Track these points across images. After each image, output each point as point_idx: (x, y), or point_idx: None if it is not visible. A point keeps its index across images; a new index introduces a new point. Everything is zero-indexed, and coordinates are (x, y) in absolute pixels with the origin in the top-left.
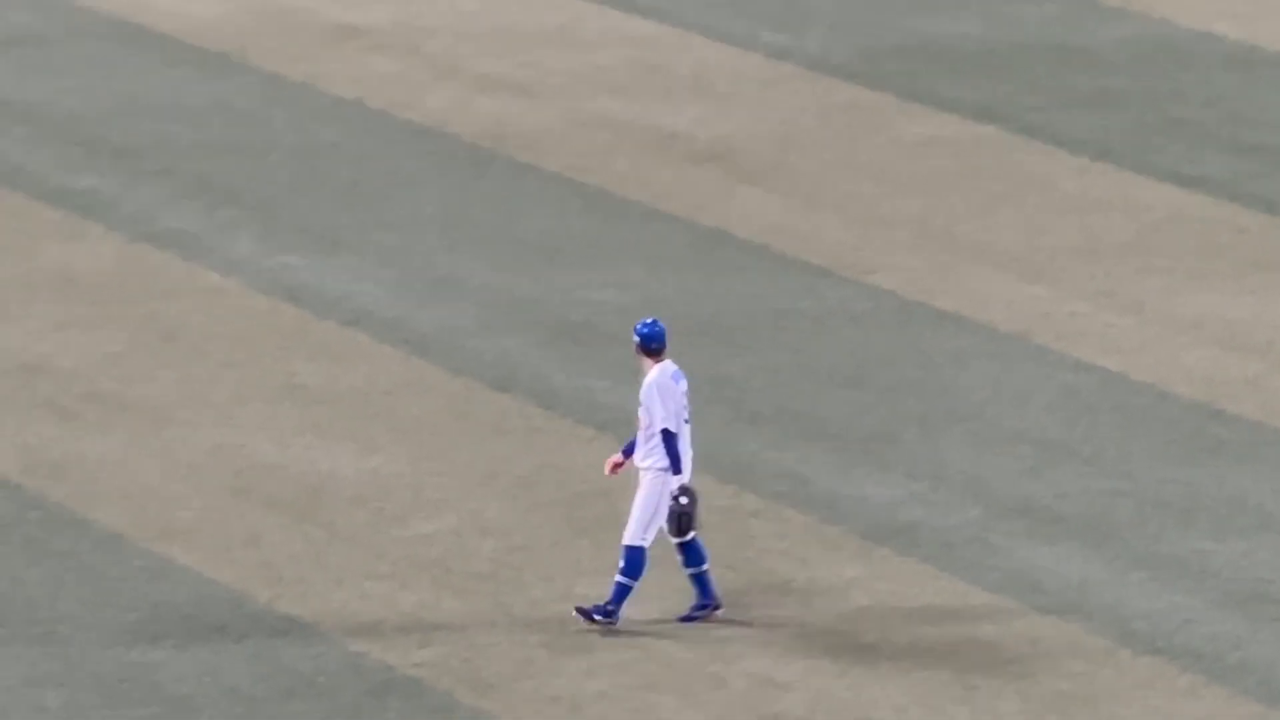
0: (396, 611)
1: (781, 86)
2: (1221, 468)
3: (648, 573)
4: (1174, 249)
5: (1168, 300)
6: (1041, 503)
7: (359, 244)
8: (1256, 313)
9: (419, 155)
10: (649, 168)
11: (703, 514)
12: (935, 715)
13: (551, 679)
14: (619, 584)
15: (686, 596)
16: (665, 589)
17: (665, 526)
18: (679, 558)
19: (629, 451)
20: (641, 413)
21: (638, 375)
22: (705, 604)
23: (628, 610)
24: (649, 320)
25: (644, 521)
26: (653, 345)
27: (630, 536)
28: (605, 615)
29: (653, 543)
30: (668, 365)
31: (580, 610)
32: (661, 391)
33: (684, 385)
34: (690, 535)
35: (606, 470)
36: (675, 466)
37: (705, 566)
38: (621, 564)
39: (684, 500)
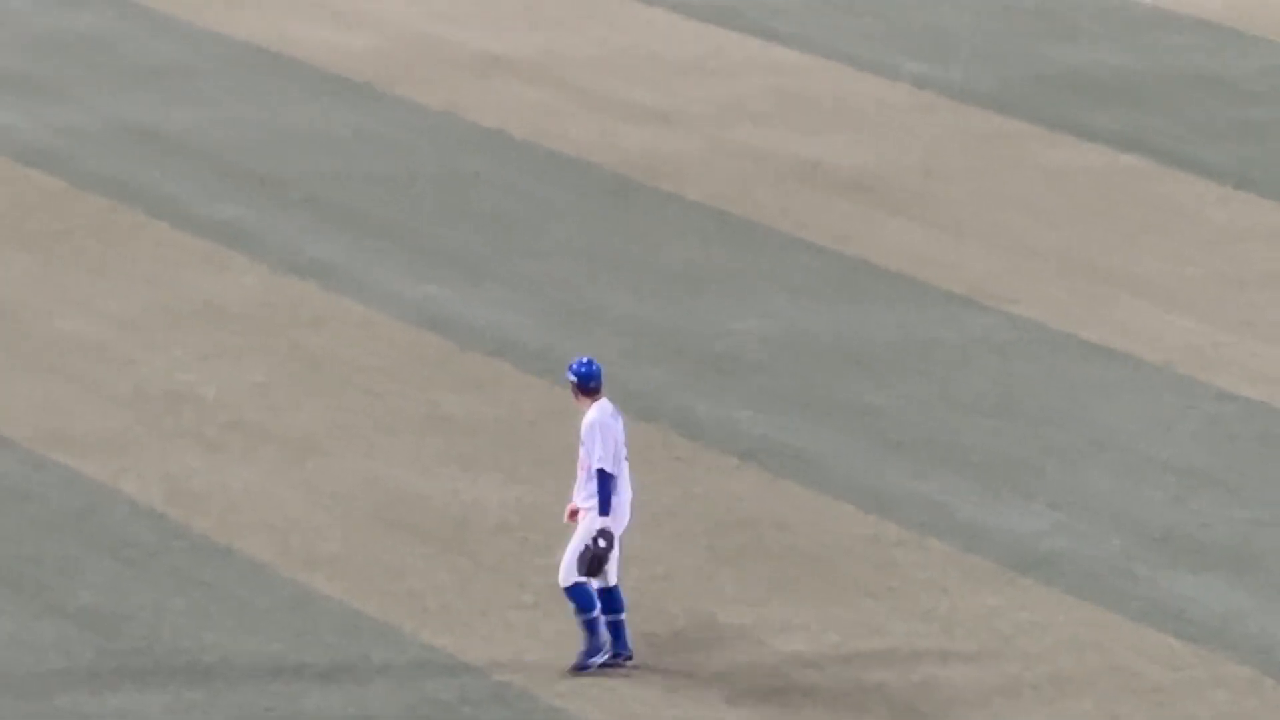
0: (540, 641)
1: (924, 116)
2: None
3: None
4: None
5: None
6: (1185, 532)
7: (503, 274)
8: None
9: (563, 185)
10: (792, 197)
11: (619, 561)
12: None
13: (695, 708)
14: (583, 623)
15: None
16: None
17: (576, 565)
18: (591, 608)
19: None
20: (582, 452)
21: (589, 413)
22: (619, 653)
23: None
24: (584, 360)
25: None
26: (590, 384)
27: (564, 578)
28: (592, 655)
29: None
30: (605, 404)
31: (576, 668)
32: (602, 431)
33: (621, 423)
34: (600, 577)
35: (565, 517)
36: (603, 508)
37: (623, 615)
38: (571, 606)
39: (601, 543)
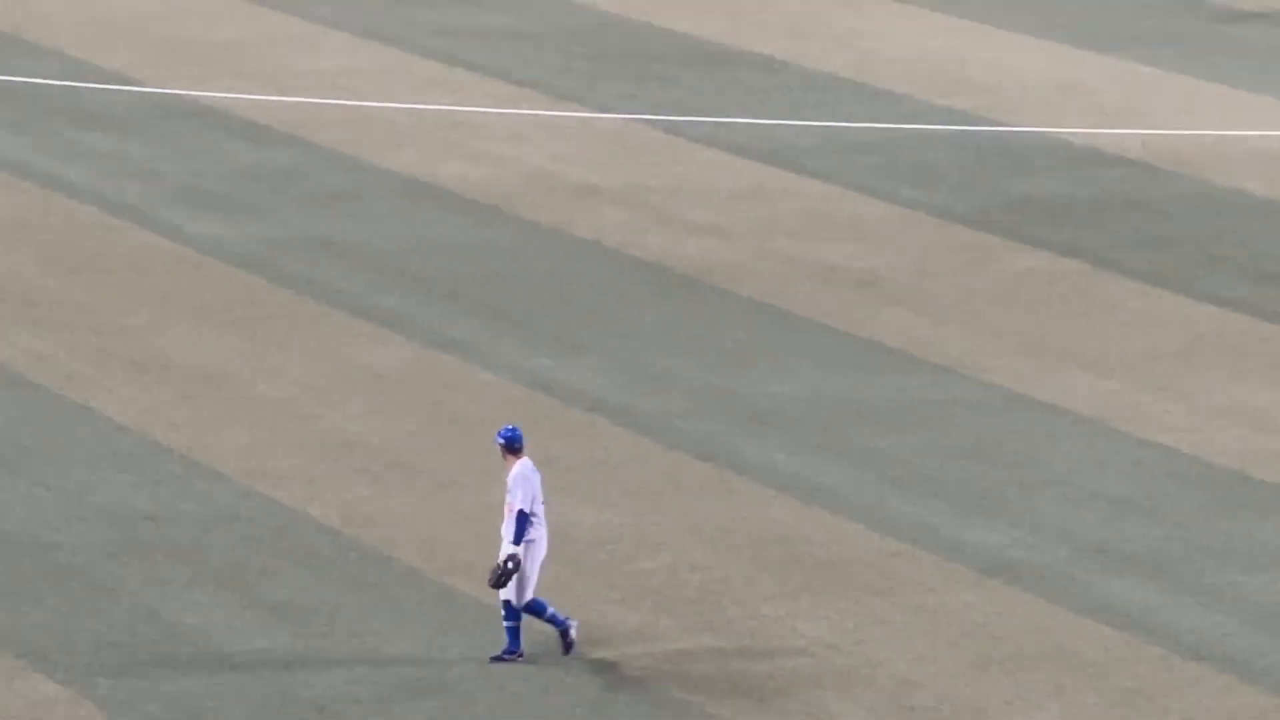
0: (625, 627)
1: (916, 231)
2: (1251, 520)
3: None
4: (1215, 354)
5: (1210, 393)
6: (1113, 546)
7: (597, 349)
8: (1278, 402)
9: (642, 283)
10: (817, 292)
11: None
12: (1033, 708)
13: (744, 679)
14: (508, 629)
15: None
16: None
17: (487, 577)
18: (506, 617)
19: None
20: (509, 497)
21: (514, 468)
22: (513, 651)
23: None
24: (511, 427)
25: (518, 584)
26: (515, 445)
27: (516, 601)
28: (510, 653)
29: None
30: (526, 461)
31: (495, 659)
32: (524, 482)
33: (539, 477)
34: (504, 590)
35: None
36: (516, 538)
37: (519, 623)
38: (520, 618)
39: (509, 565)
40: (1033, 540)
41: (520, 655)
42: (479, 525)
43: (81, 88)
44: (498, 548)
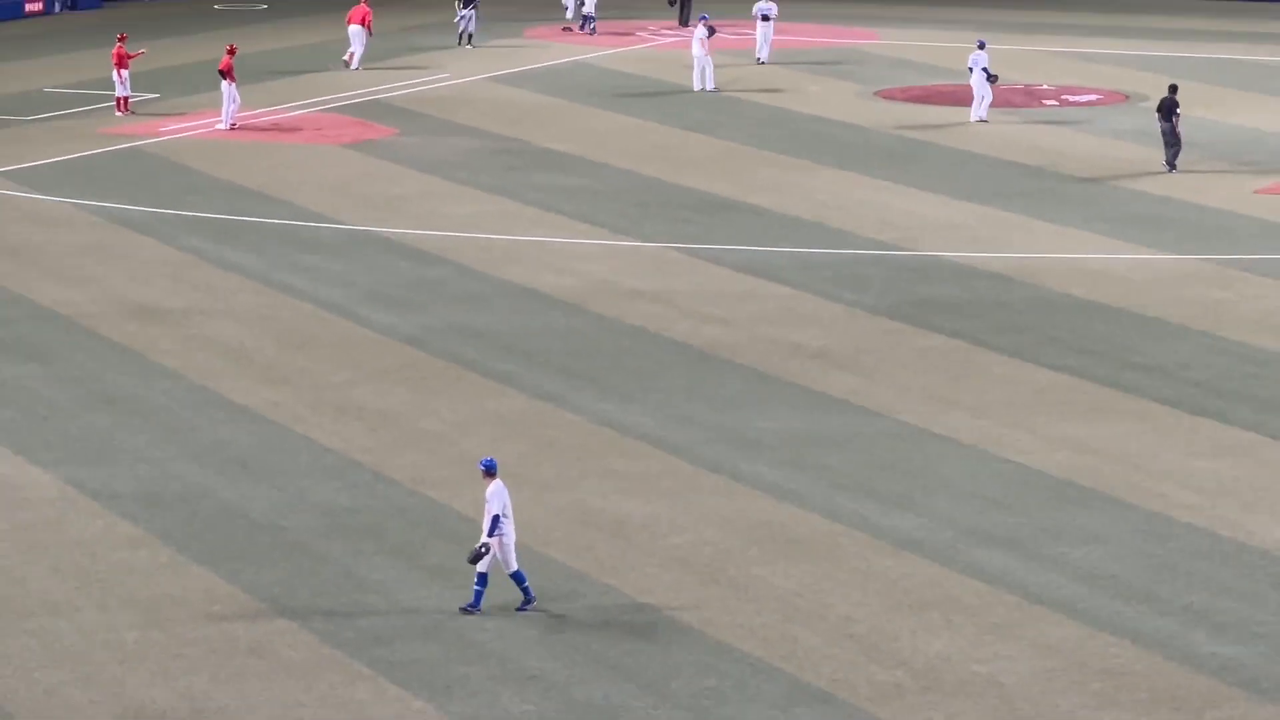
0: (661, 582)
1: (855, 321)
2: (1075, 511)
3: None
4: (1050, 403)
5: (1047, 428)
6: (984, 530)
7: (642, 399)
8: (1093, 434)
9: (672, 355)
10: (789, 362)
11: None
12: (932, 636)
13: (741, 617)
14: (525, 588)
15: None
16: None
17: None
18: (477, 582)
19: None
20: (488, 505)
21: (490, 486)
22: (475, 607)
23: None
24: (489, 458)
25: (502, 559)
26: (492, 471)
27: (506, 569)
28: (475, 607)
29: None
30: (499, 481)
31: (463, 609)
32: (498, 495)
33: (507, 492)
34: (479, 566)
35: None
36: (490, 532)
37: (484, 589)
38: (486, 584)
39: (484, 550)
40: (931, 525)
41: (479, 610)
42: (567, 516)
43: (303, 225)
44: (572, 533)
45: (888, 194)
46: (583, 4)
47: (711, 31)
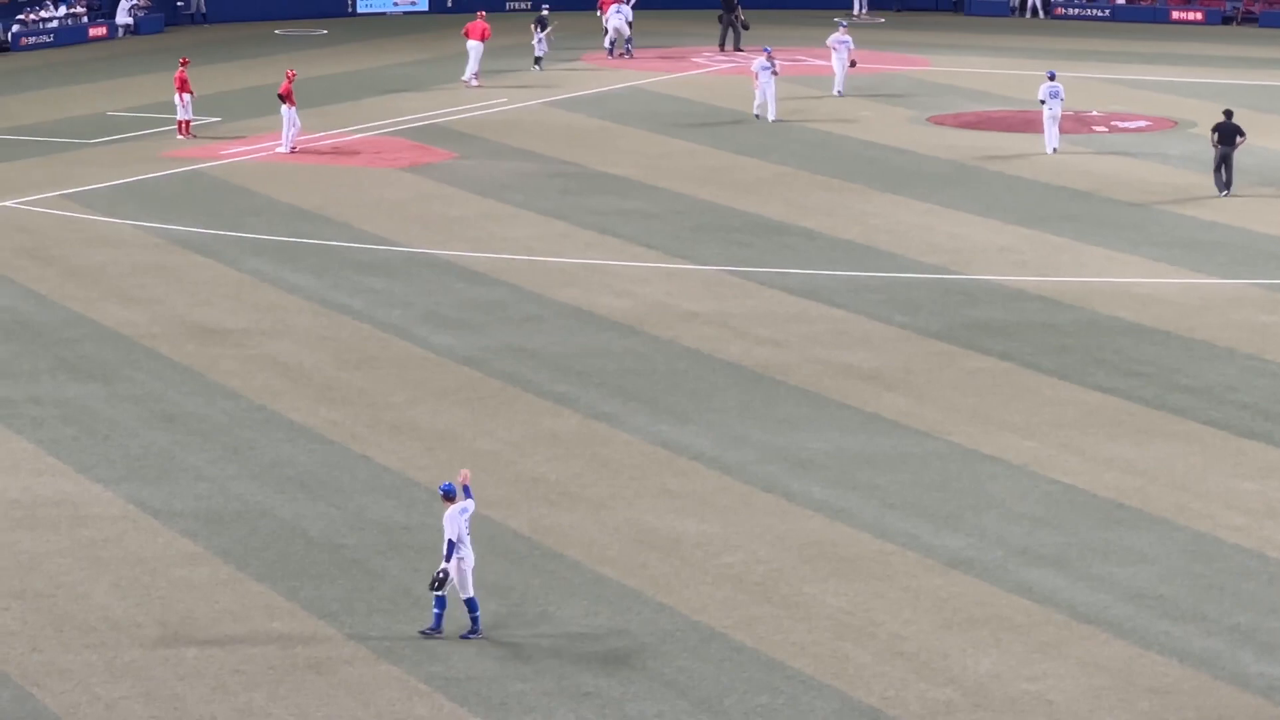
0: (714, 600)
1: (905, 342)
2: (1122, 532)
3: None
4: (1099, 424)
5: (1095, 449)
6: (1032, 549)
7: (697, 419)
8: (1140, 455)
9: (726, 376)
10: (840, 383)
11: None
12: (980, 654)
13: (793, 634)
14: (435, 614)
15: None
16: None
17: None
18: (435, 605)
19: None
20: (445, 531)
21: (448, 510)
22: (437, 629)
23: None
24: (447, 483)
25: (459, 584)
26: (450, 495)
27: (462, 594)
28: (435, 629)
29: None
30: (456, 505)
31: (423, 633)
32: (452, 520)
33: (467, 515)
34: (439, 590)
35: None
36: (446, 558)
37: (443, 611)
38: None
39: (442, 575)
40: (980, 544)
41: (440, 633)
42: (622, 534)
43: (362, 247)
44: (627, 552)
45: (938, 218)
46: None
47: (772, 63)
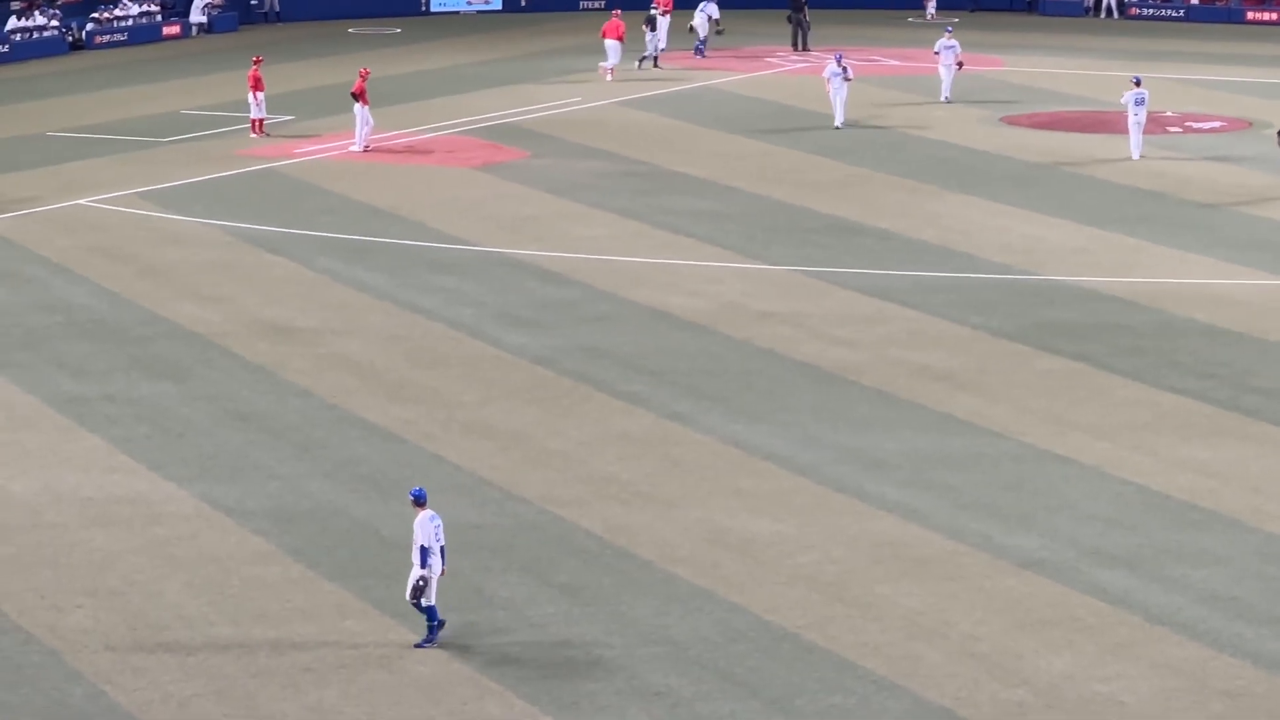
0: (786, 600)
1: (978, 343)
2: (1196, 534)
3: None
4: (1172, 425)
5: (1169, 450)
6: (1103, 549)
7: (771, 419)
8: (1215, 457)
9: (800, 376)
10: (913, 383)
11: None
12: (1053, 655)
13: (864, 634)
14: (429, 624)
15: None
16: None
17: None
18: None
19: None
20: (414, 536)
21: (419, 516)
22: (431, 639)
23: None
24: (418, 488)
25: (431, 593)
26: (421, 500)
27: (424, 601)
28: (429, 641)
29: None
30: (427, 511)
31: (417, 645)
32: (422, 526)
33: (439, 521)
34: (420, 600)
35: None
36: (421, 564)
37: (436, 621)
38: (424, 615)
39: (421, 584)
40: (1053, 545)
41: (434, 643)
42: (694, 534)
43: (435, 247)
44: (699, 552)
45: (1012, 219)
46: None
47: (844, 68)
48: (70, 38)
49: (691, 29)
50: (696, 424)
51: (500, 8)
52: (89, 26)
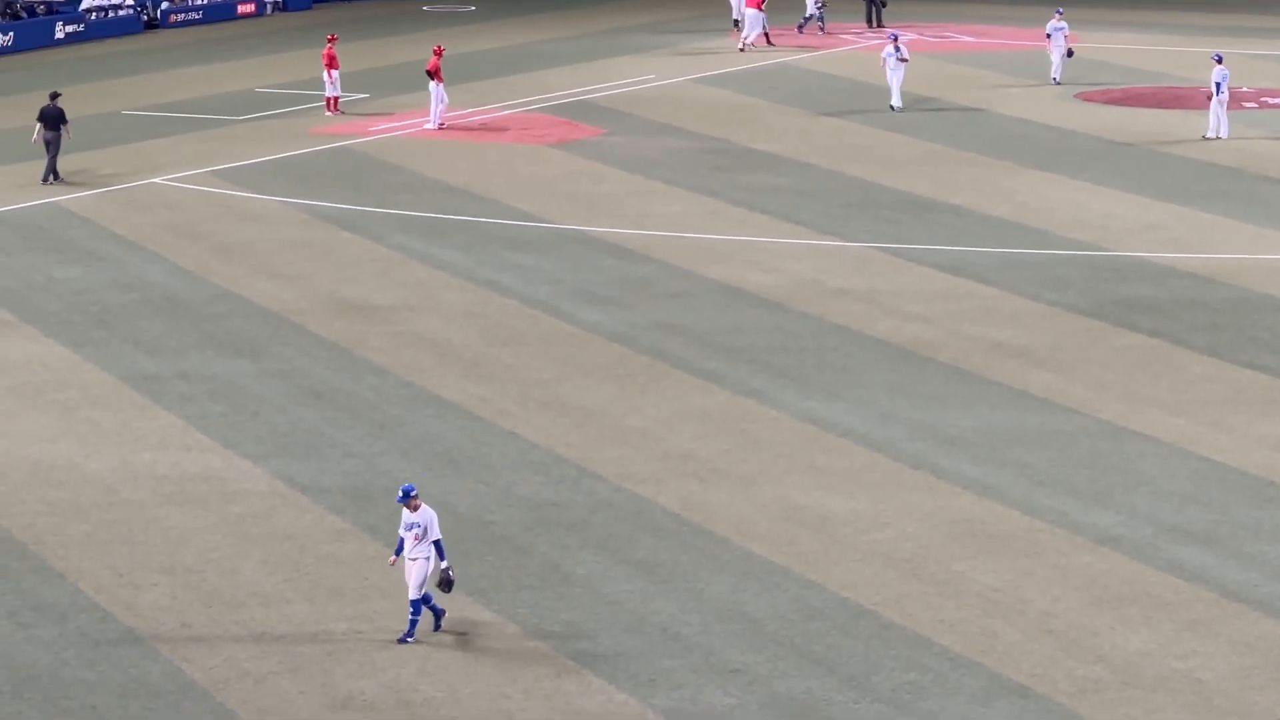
0: (862, 576)
1: (1053, 319)
2: (1274, 510)
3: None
4: (1250, 402)
5: (1246, 427)
6: (1181, 526)
7: (846, 395)
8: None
9: (875, 352)
10: (989, 360)
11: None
12: (1129, 631)
13: (941, 611)
14: (429, 617)
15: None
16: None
17: (440, 588)
18: (435, 604)
19: (399, 553)
20: (417, 530)
21: (422, 509)
22: (439, 626)
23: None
24: (407, 484)
25: (420, 585)
26: (412, 495)
27: (414, 594)
28: (410, 635)
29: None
30: (425, 508)
31: (400, 640)
32: (435, 518)
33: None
34: (449, 590)
35: (390, 562)
36: (442, 556)
37: (437, 609)
38: (415, 612)
39: (452, 574)
40: (1129, 522)
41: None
42: (770, 511)
43: (510, 224)
44: (775, 529)
45: (1088, 194)
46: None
47: (899, 49)
48: (145, 16)
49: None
50: (772, 401)
51: None
52: (164, 5)
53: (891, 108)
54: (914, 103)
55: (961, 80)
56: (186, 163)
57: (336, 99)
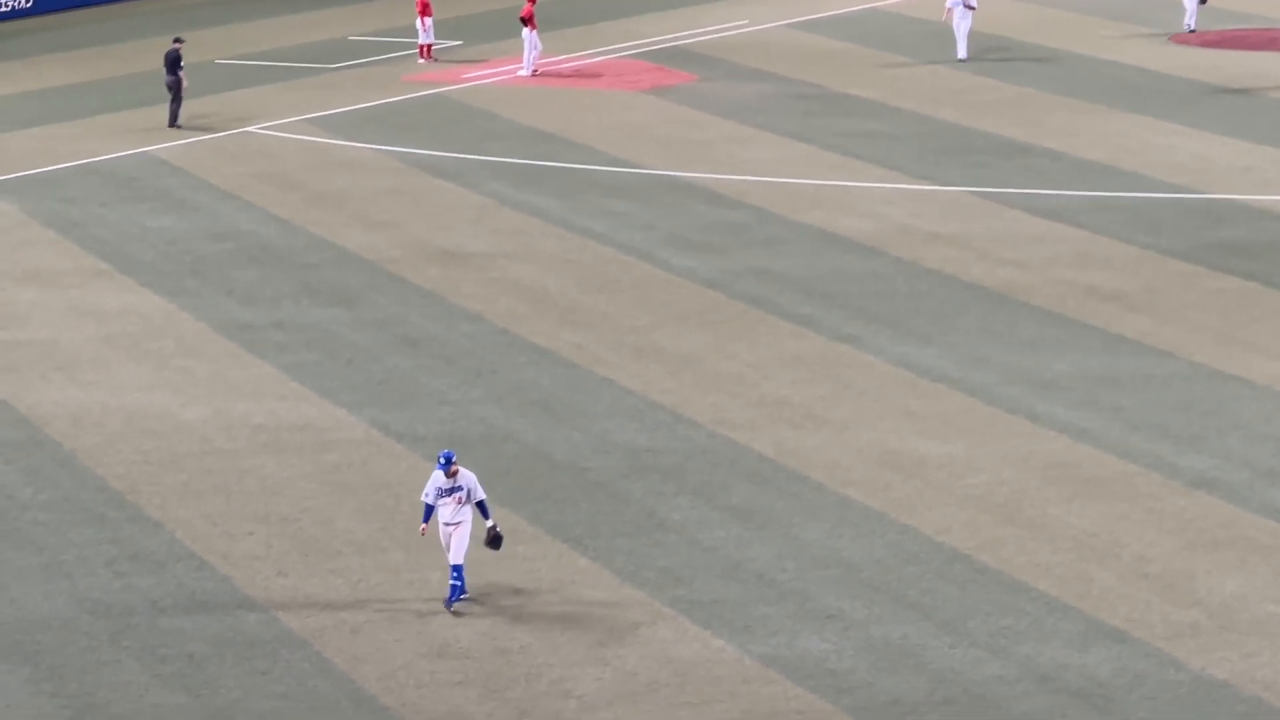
0: (957, 521)
1: (1148, 263)
2: None
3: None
4: None
5: None
6: (1275, 467)
7: (939, 340)
8: None
9: (969, 297)
10: (1083, 304)
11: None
12: (1226, 576)
13: (1036, 555)
14: (461, 583)
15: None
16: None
17: (489, 545)
18: (453, 575)
19: (427, 520)
20: (460, 494)
21: (462, 472)
22: (462, 593)
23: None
24: (449, 451)
25: (463, 549)
26: (453, 463)
27: (459, 559)
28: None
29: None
30: (464, 471)
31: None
32: (478, 481)
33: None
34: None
35: (420, 532)
36: (486, 515)
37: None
38: (457, 576)
39: (499, 529)
40: (1225, 465)
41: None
42: (865, 456)
43: (604, 170)
44: (870, 474)
45: (1182, 138)
46: None
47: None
48: None
49: None
50: (867, 346)
51: None
52: None
53: (960, 59)
54: (1007, 46)
55: (1054, 24)
56: (280, 111)
57: (430, 46)
